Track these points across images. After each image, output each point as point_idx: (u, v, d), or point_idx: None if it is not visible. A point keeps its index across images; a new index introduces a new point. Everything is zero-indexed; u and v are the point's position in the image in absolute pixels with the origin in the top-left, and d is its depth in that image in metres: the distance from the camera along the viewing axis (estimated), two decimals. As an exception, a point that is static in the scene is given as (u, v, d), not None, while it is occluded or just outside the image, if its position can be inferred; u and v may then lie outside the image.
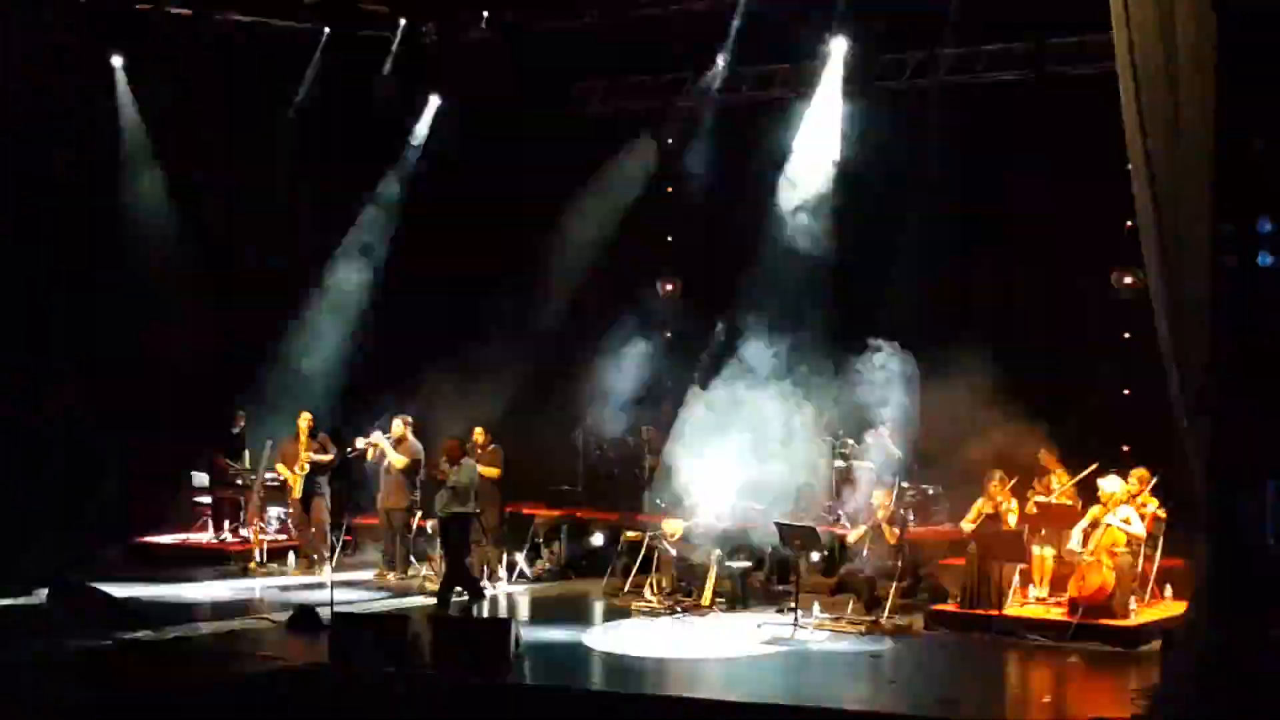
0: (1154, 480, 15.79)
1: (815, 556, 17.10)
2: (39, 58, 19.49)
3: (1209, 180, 11.07)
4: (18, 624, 15.17)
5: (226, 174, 21.58)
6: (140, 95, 21.01)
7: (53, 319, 20.66)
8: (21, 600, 16.34)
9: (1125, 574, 15.07)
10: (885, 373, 18.20)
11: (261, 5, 20.94)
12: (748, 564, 17.28)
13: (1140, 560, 15.49)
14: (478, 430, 18.47)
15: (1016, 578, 15.73)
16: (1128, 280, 18.44)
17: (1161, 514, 15.82)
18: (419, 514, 18.70)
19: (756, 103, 21.94)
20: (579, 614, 16.51)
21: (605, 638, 15.11)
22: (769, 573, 17.74)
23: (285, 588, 17.89)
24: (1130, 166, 11.94)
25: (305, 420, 19.10)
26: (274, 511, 20.00)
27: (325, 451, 19.03)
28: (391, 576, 18.44)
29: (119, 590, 16.39)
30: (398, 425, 18.57)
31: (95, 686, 12.49)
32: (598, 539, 19.22)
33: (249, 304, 21.40)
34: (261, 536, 19.45)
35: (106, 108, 20.90)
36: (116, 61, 20.87)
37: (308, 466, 18.75)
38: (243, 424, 20.52)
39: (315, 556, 18.99)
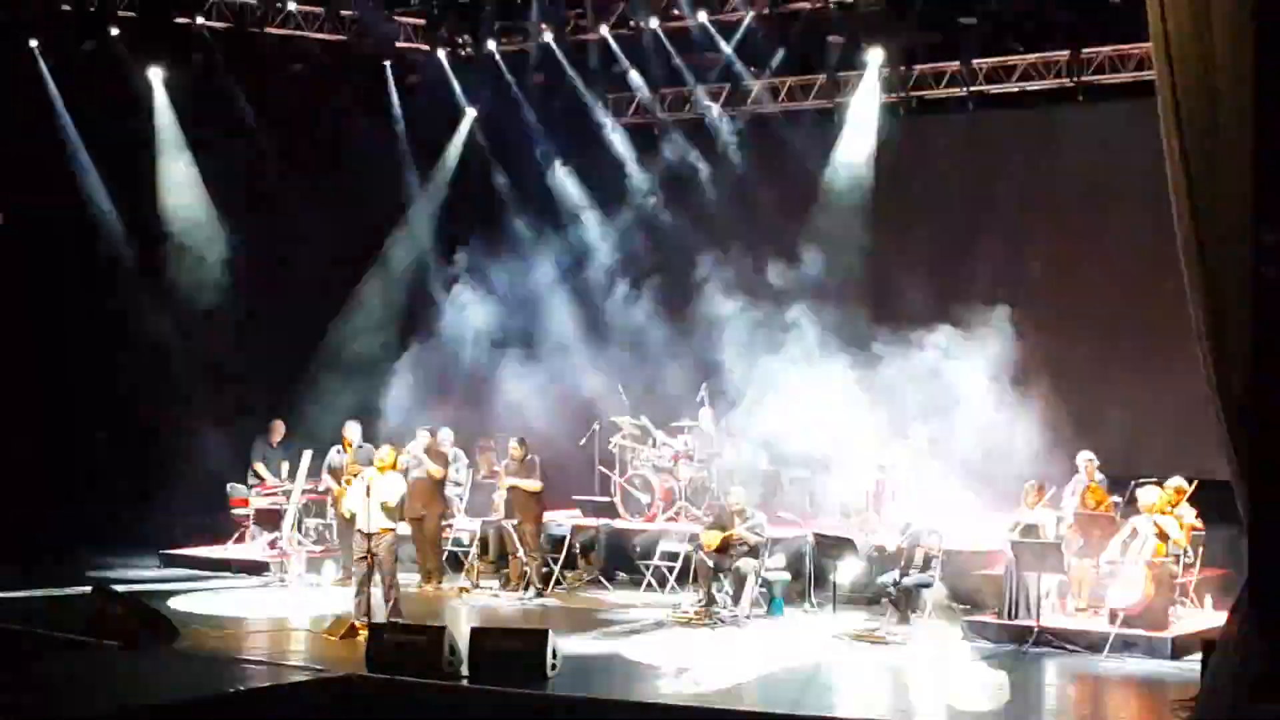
0: (1191, 488, 15.74)
1: (853, 566, 17.05)
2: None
3: (1249, 189, 11.00)
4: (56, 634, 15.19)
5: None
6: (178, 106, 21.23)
7: (91, 327, 20.86)
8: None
9: (1165, 584, 14.98)
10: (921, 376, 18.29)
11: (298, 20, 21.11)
12: (785, 575, 17.24)
13: (1180, 570, 15.40)
14: (513, 442, 18.44)
15: (1055, 588, 15.66)
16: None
17: (1198, 524, 15.76)
18: (452, 522, 18.85)
19: (792, 112, 22.09)
20: (615, 624, 16.49)
21: (643, 648, 15.09)
22: (806, 583, 17.67)
23: (323, 598, 17.89)
24: (1169, 175, 11.87)
25: (351, 431, 18.94)
26: (311, 523, 20.01)
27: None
28: (429, 587, 18.46)
29: (156, 601, 16.44)
30: (424, 435, 18.61)
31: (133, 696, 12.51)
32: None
33: (295, 313, 21.58)
34: (299, 547, 19.45)
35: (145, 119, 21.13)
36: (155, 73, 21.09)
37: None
38: (281, 434, 20.53)
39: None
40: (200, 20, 20.44)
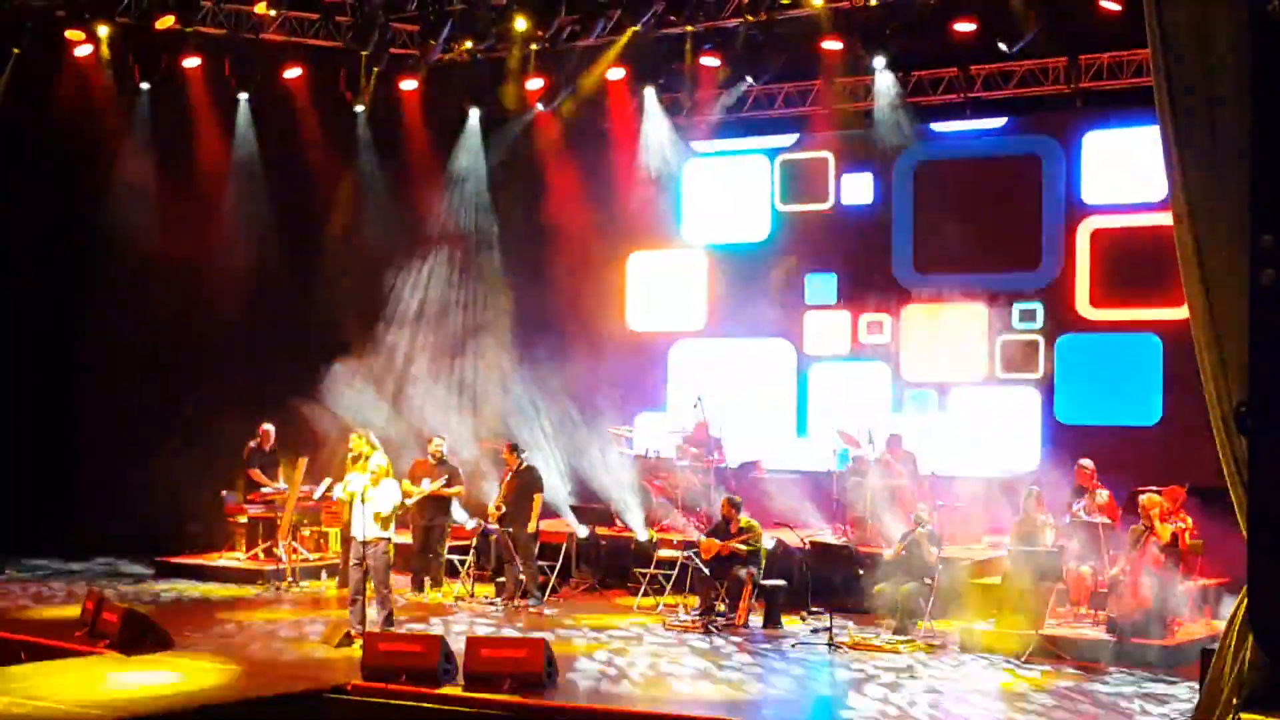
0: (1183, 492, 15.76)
1: (850, 574, 17.02)
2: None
3: (1247, 195, 10.95)
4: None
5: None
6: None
7: (86, 334, 20.86)
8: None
9: (1164, 593, 14.92)
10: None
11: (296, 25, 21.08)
12: (782, 582, 17.19)
13: (1179, 579, 15.35)
14: (506, 449, 18.38)
15: (1054, 596, 15.61)
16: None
17: (1197, 532, 15.72)
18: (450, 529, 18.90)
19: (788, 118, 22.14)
20: (612, 633, 16.42)
21: (640, 657, 15.04)
22: (803, 591, 17.62)
23: (319, 606, 17.83)
24: (1166, 183, 11.84)
25: (357, 440, 18.74)
26: (306, 530, 19.92)
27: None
28: (426, 595, 18.41)
29: (150, 608, 16.41)
30: (437, 443, 18.55)
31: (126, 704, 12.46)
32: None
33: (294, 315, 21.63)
34: (293, 555, 19.38)
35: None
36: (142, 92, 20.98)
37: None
38: (272, 439, 20.42)
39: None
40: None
